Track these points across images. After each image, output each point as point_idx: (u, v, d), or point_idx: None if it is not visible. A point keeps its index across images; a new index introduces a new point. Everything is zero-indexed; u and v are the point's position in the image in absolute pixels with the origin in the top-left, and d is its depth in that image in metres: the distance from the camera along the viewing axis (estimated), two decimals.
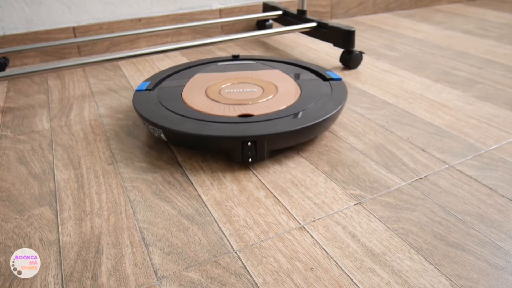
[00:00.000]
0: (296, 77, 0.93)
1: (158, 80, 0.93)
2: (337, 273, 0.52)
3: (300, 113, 0.76)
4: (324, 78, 0.92)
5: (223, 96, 0.84)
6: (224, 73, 0.95)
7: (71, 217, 0.62)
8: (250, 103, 0.81)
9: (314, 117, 0.74)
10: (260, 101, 0.81)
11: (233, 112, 0.77)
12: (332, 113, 0.76)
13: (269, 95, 0.84)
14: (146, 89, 0.88)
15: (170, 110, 0.79)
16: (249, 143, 0.70)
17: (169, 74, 0.97)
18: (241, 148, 0.71)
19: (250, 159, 0.71)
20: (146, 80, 0.93)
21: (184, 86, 0.89)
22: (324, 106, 0.79)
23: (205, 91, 0.86)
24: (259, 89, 0.87)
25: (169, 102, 0.82)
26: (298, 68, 1.00)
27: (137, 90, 0.88)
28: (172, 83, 0.92)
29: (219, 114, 0.77)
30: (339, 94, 0.84)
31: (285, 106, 0.79)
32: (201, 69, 0.99)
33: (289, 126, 0.72)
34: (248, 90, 0.86)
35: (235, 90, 0.86)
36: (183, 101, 0.83)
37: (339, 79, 0.91)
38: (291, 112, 0.77)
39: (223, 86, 0.89)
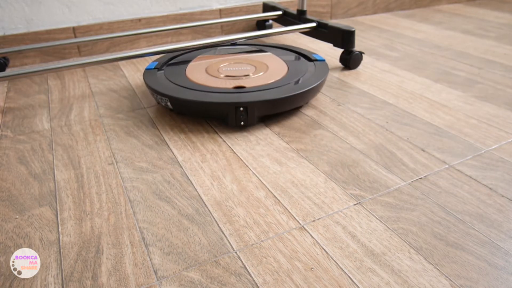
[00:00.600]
0: (285, 59, 1.05)
1: (165, 60, 1.06)
2: (337, 273, 0.52)
3: (285, 86, 0.89)
4: (309, 59, 1.06)
5: (221, 73, 0.97)
6: (223, 55, 1.08)
7: (71, 217, 0.62)
8: (244, 78, 0.94)
9: (296, 89, 0.87)
10: (252, 76, 0.95)
11: (229, 84, 0.90)
12: (312, 86, 0.89)
13: (260, 72, 0.97)
14: (155, 68, 1.01)
15: (175, 83, 0.91)
16: (241, 109, 0.83)
17: (174, 56, 1.10)
18: (235, 113, 0.83)
19: (242, 123, 0.84)
20: (154, 61, 1.05)
21: (187, 65, 1.02)
22: (307, 80, 0.92)
23: (206, 69, 0.99)
24: (252, 67, 1.00)
25: (174, 77, 0.95)
26: (288, 51, 1.13)
27: (146, 69, 1.00)
28: (176, 63, 1.05)
29: (217, 86, 0.90)
30: (321, 71, 0.97)
31: (273, 80, 0.92)
32: (203, 52, 1.12)
33: (275, 95, 0.84)
34: (242, 68, 0.99)
35: (231, 68, 0.99)
36: (187, 76, 0.95)
37: (323, 60, 1.04)
38: (278, 85, 0.90)
39: (222, 65, 1.01)
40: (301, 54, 1.09)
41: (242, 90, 0.87)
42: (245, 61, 1.03)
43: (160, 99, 0.89)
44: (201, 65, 1.02)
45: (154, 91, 0.89)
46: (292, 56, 1.08)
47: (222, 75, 0.95)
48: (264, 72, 0.96)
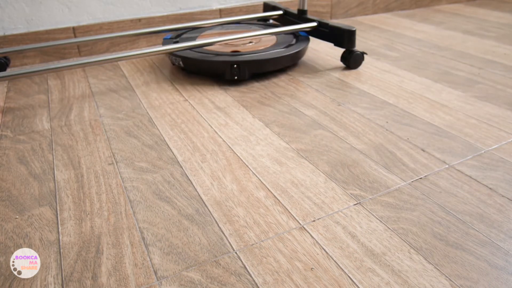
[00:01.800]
0: (276, 33, 1.24)
1: (178, 34, 1.30)
2: (337, 273, 0.52)
3: (271, 51, 1.13)
4: (295, 35, 1.28)
5: (230, 42, 1.21)
6: (225, 30, 1.33)
7: (71, 217, 0.62)
8: (240, 45, 1.19)
9: (278, 53, 1.12)
10: (246, 45, 1.20)
11: (228, 49, 1.16)
12: (291, 52, 1.13)
13: (253, 42, 1.22)
14: (171, 38, 1.25)
15: (188, 48, 1.12)
16: (235, 66, 1.07)
17: (187, 30, 1.33)
18: (230, 69, 1.07)
19: (236, 77, 1.08)
20: (170, 33, 1.30)
21: (197, 36, 1.28)
22: (288, 48, 1.16)
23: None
24: (248, 39, 1.23)
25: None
26: (279, 29, 1.29)
27: (164, 39, 1.25)
28: (189, 35, 1.29)
29: (219, 50, 1.15)
30: (302, 43, 1.21)
31: (263, 48, 1.17)
32: (210, 29, 1.36)
33: (261, 57, 1.09)
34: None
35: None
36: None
37: (306, 36, 1.27)
38: (266, 51, 1.14)
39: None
40: (289, 31, 1.27)
41: (237, 53, 1.12)
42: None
43: (175, 59, 1.14)
44: (208, 36, 1.25)
45: (173, 54, 1.12)
46: (281, 32, 1.26)
47: (224, 43, 1.19)
48: (256, 42, 1.22)
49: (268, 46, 1.18)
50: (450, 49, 1.34)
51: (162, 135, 0.85)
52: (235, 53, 1.13)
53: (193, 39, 1.25)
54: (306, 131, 0.85)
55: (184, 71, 1.20)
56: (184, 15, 1.45)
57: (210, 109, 0.96)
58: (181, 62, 1.13)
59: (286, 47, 1.17)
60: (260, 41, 1.22)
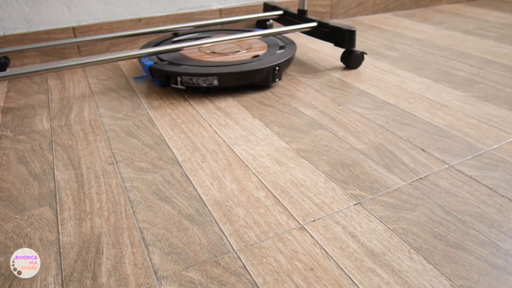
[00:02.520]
0: (256, 36, 1.18)
1: (153, 45, 1.18)
2: (337, 273, 0.52)
3: (283, 51, 1.12)
4: (272, 36, 1.25)
5: (219, 51, 1.12)
6: (198, 39, 1.13)
7: (71, 217, 0.62)
8: (244, 52, 1.12)
9: (288, 54, 1.10)
10: (244, 51, 1.13)
11: (244, 57, 1.09)
12: (294, 52, 1.12)
13: (247, 47, 1.15)
14: (156, 62, 1.06)
15: (214, 65, 1.03)
16: (277, 68, 1.04)
17: (160, 42, 1.22)
18: (273, 73, 1.04)
19: (277, 79, 1.06)
20: (147, 59, 1.09)
21: (183, 52, 1.13)
22: (289, 50, 1.14)
23: (199, 49, 1.14)
24: (238, 46, 1.17)
25: (192, 62, 1.06)
26: (246, 31, 1.30)
27: (149, 65, 1.06)
28: (168, 54, 1.12)
29: (239, 59, 1.07)
30: (290, 43, 1.20)
31: (264, 52, 1.12)
32: (179, 42, 1.20)
33: (288, 56, 1.08)
34: (229, 46, 1.16)
35: (223, 47, 1.15)
36: (201, 60, 1.07)
37: (279, 33, 1.22)
38: (276, 51, 1.12)
39: (210, 46, 1.15)
40: (272, 34, 1.22)
41: (259, 58, 1.07)
42: (227, 42, 1.12)
43: (203, 80, 0.99)
44: (193, 50, 1.13)
45: (201, 75, 0.99)
46: (258, 33, 1.19)
47: (223, 53, 1.12)
48: (250, 47, 1.15)
49: (268, 49, 1.15)
50: (450, 49, 1.34)
51: (162, 135, 0.85)
52: (256, 57, 1.08)
53: (182, 56, 1.09)
54: (306, 131, 0.85)
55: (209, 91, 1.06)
56: (184, 15, 1.45)
57: (210, 109, 0.96)
58: (215, 81, 0.99)
59: (287, 46, 1.16)
60: (255, 46, 1.17)
